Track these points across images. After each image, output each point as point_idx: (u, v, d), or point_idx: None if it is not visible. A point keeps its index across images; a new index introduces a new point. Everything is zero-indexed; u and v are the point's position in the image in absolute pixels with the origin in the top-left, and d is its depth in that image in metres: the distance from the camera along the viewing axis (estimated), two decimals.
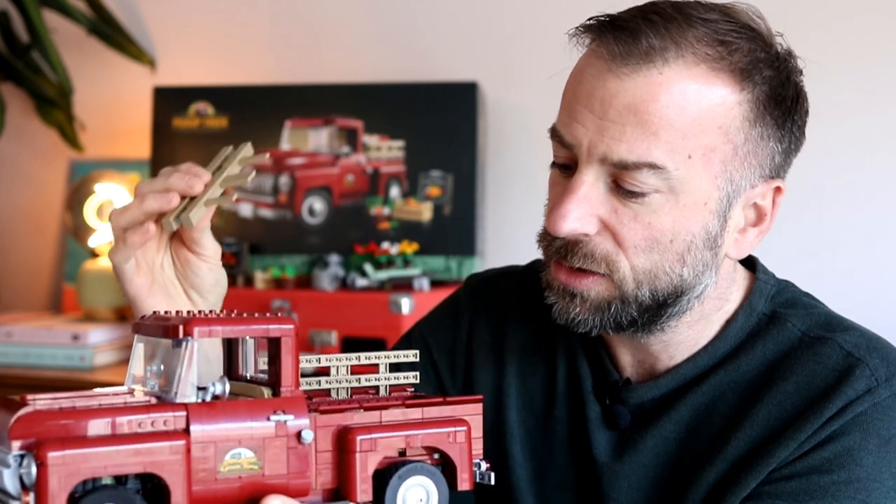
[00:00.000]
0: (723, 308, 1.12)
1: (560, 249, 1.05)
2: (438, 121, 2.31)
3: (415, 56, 2.47)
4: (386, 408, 0.84)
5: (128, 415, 0.75)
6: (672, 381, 1.11)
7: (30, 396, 0.75)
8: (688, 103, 1.00)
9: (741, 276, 1.14)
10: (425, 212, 2.31)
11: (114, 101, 2.66)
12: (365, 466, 0.81)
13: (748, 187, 1.05)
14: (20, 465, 0.71)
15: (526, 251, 1.38)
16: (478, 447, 0.87)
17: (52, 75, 2.57)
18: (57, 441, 0.72)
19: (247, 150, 1.08)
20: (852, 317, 1.14)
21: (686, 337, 1.11)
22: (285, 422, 0.79)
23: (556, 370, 1.18)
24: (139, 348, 0.84)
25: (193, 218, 1.04)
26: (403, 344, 1.28)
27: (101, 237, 2.49)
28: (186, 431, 0.76)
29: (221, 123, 2.40)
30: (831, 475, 1.02)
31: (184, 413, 0.76)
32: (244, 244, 2.32)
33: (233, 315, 0.81)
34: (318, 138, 2.37)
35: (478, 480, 0.86)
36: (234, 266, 2.29)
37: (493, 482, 0.87)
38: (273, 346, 0.81)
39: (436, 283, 2.28)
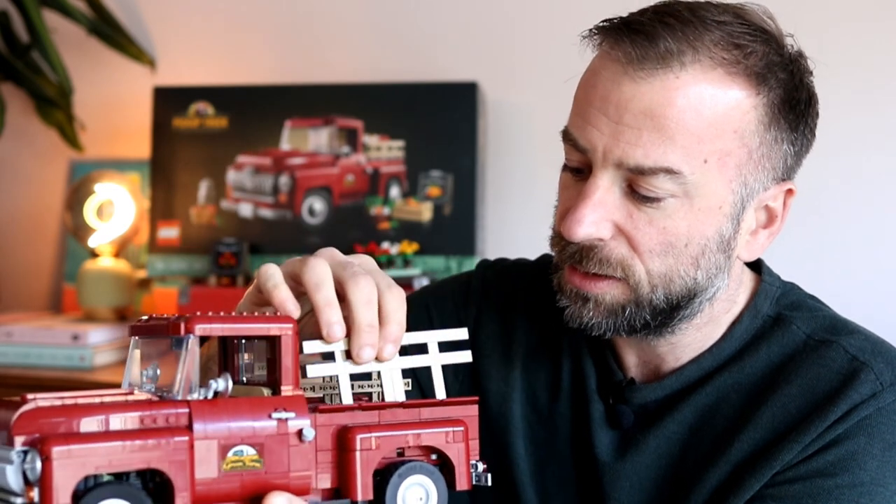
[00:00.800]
0: (731, 310, 1.12)
1: (574, 255, 1.05)
2: (438, 121, 2.31)
3: (415, 56, 2.47)
4: (384, 408, 0.84)
5: (130, 411, 0.75)
6: (676, 383, 1.11)
7: (29, 396, 0.75)
8: (704, 107, 1.00)
9: (747, 278, 1.14)
10: (425, 212, 2.31)
11: (114, 101, 2.66)
12: (366, 465, 0.81)
13: (761, 190, 1.05)
14: (24, 461, 0.71)
15: (526, 251, 1.38)
16: (475, 448, 0.87)
17: (52, 75, 2.57)
18: (61, 436, 0.72)
19: None
20: (852, 317, 1.14)
21: (694, 339, 1.11)
22: (286, 420, 0.79)
23: (560, 367, 1.18)
24: (136, 353, 0.84)
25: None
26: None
27: (101, 237, 2.48)
28: (189, 428, 0.76)
29: (221, 123, 2.40)
30: (835, 479, 1.02)
31: (186, 410, 0.76)
32: (244, 244, 2.31)
33: (233, 314, 0.81)
34: (318, 138, 2.36)
35: (475, 482, 0.87)
36: (234, 266, 2.29)
37: (489, 483, 0.87)
38: (273, 345, 0.81)
39: None
